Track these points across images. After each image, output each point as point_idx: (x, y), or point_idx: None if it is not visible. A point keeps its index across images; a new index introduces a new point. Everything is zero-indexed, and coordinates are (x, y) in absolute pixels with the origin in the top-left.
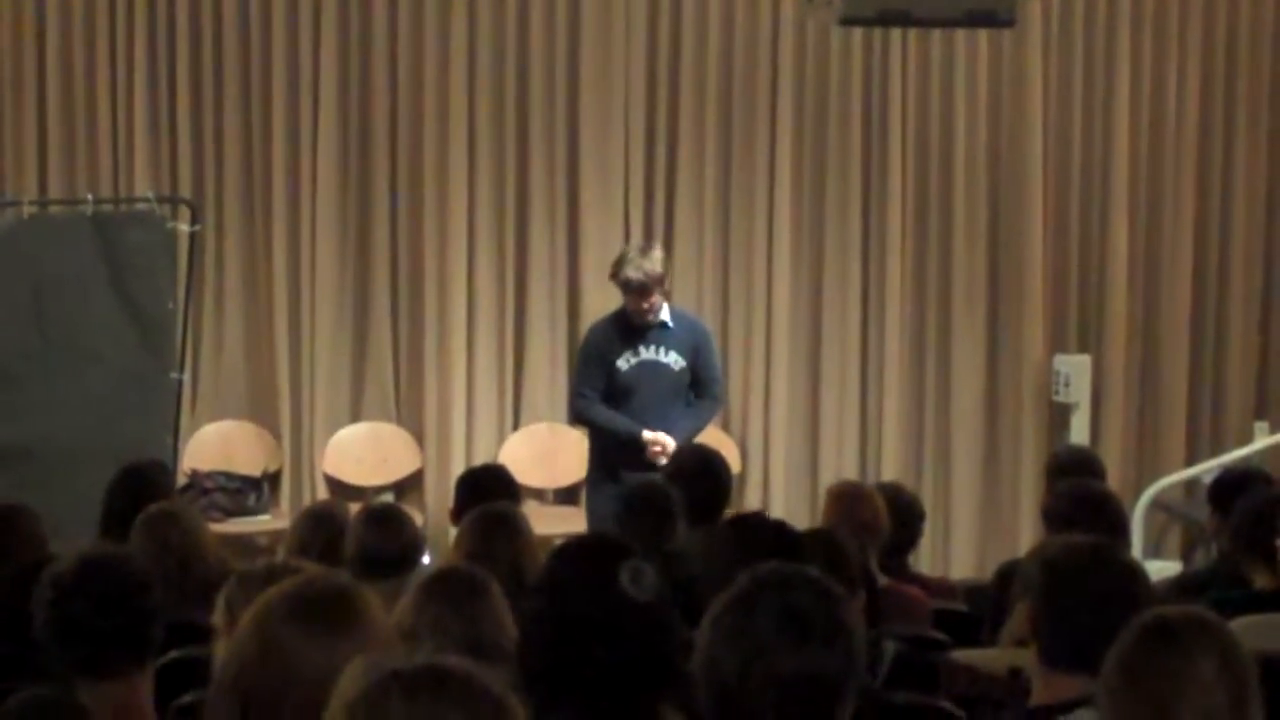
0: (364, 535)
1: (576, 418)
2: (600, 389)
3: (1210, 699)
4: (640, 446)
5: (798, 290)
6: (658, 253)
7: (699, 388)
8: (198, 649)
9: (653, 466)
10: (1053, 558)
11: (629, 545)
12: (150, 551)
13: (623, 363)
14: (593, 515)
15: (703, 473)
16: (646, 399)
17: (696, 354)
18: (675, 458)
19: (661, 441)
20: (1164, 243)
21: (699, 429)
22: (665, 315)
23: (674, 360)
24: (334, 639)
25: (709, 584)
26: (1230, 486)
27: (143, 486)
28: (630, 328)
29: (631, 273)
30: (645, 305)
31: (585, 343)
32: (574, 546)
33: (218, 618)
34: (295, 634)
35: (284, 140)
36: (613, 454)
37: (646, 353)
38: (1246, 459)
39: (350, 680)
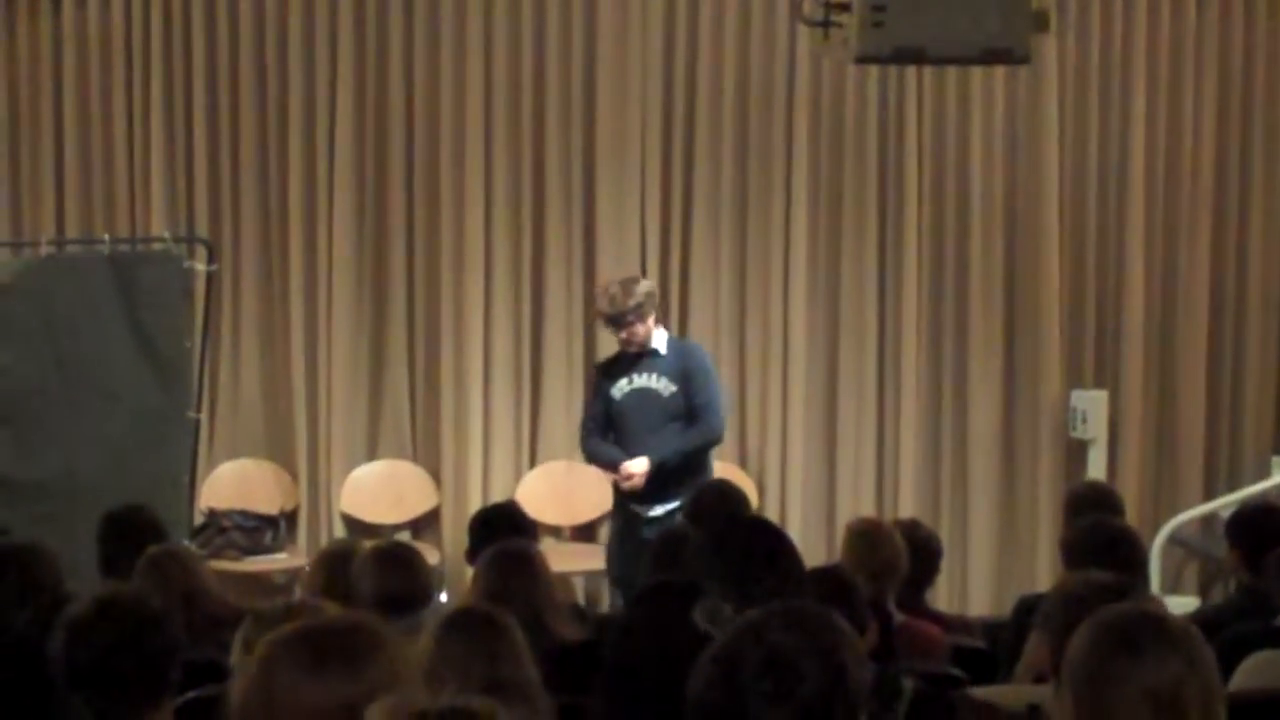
0: (375, 574)
1: (582, 453)
2: (601, 421)
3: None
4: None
5: (814, 325)
6: (639, 286)
7: (692, 414)
8: (214, 688)
9: (649, 494)
10: (1073, 592)
11: (700, 585)
12: (153, 591)
13: (617, 391)
14: (608, 547)
15: (721, 508)
16: (639, 426)
17: (687, 380)
18: (695, 495)
19: (628, 470)
20: (1180, 278)
21: (687, 452)
22: (659, 343)
23: (664, 386)
24: (342, 677)
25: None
26: (1248, 522)
27: (130, 529)
28: (626, 357)
29: (601, 305)
30: (623, 335)
31: (593, 373)
32: (648, 589)
33: (235, 657)
34: (298, 673)
35: (300, 179)
36: (615, 486)
37: (639, 380)
38: (1264, 494)
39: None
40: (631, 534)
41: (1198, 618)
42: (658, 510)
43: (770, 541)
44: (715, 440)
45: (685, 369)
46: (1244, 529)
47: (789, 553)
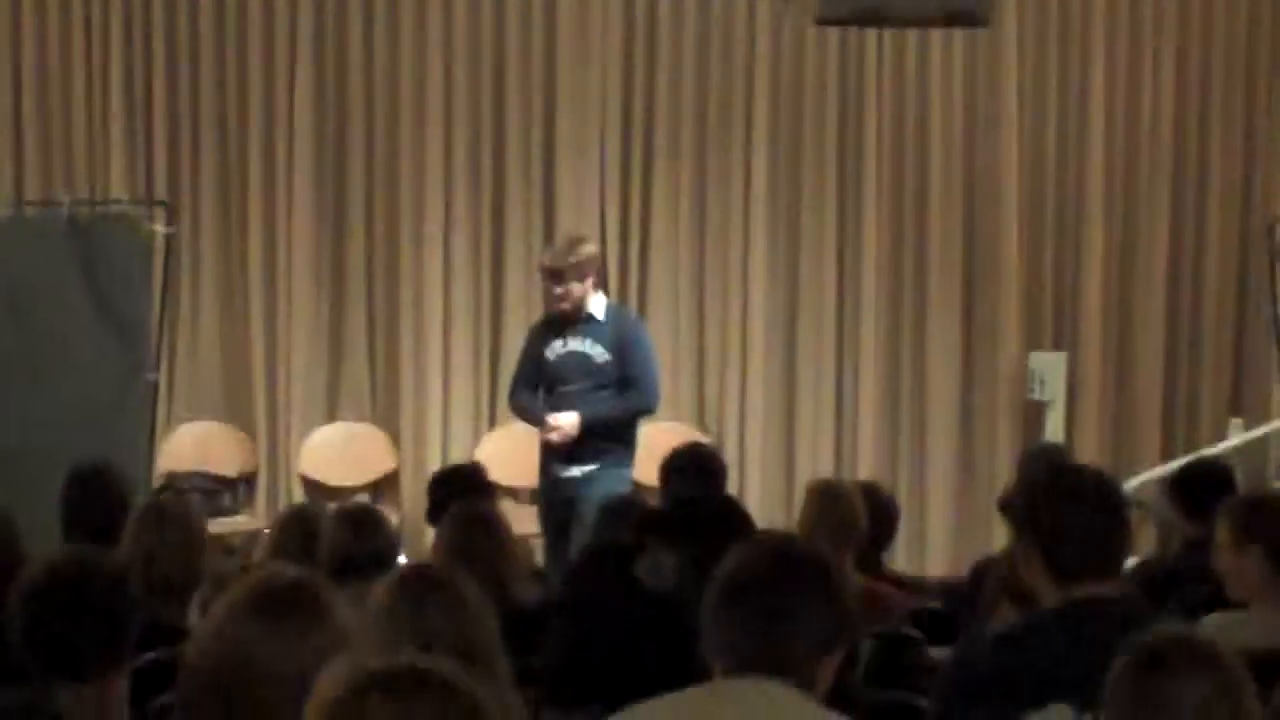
0: (339, 537)
1: (510, 407)
2: (530, 379)
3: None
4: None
5: (773, 289)
6: (584, 246)
7: (624, 384)
8: (171, 650)
9: (570, 454)
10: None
11: (646, 542)
12: (148, 536)
13: (550, 353)
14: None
15: (693, 469)
16: (571, 389)
17: (622, 349)
18: (667, 457)
19: (556, 423)
20: (1139, 240)
21: (616, 418)
22: (597, 309)
23: (598, 353)
24: (297, 634)
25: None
26: (1192, 480)
27: (94, 488)
28: (563, 320)
29: (543, 258)
30: (558, 291)
31: (528, 333)
32: (594, 546)
33: (194, 618)
34: (257, 629)
35: (260, 140)
36: (541, 445)
37: (573, 343)
38: (1222, 455)
39: (330, 680)
40: (551, 493)
41: (1144, 572)
42: (575, 471)
43: (732, 511)
44: (645, 411)
45: (621, 339)
46: (1188, 488)
47: (745, 521)
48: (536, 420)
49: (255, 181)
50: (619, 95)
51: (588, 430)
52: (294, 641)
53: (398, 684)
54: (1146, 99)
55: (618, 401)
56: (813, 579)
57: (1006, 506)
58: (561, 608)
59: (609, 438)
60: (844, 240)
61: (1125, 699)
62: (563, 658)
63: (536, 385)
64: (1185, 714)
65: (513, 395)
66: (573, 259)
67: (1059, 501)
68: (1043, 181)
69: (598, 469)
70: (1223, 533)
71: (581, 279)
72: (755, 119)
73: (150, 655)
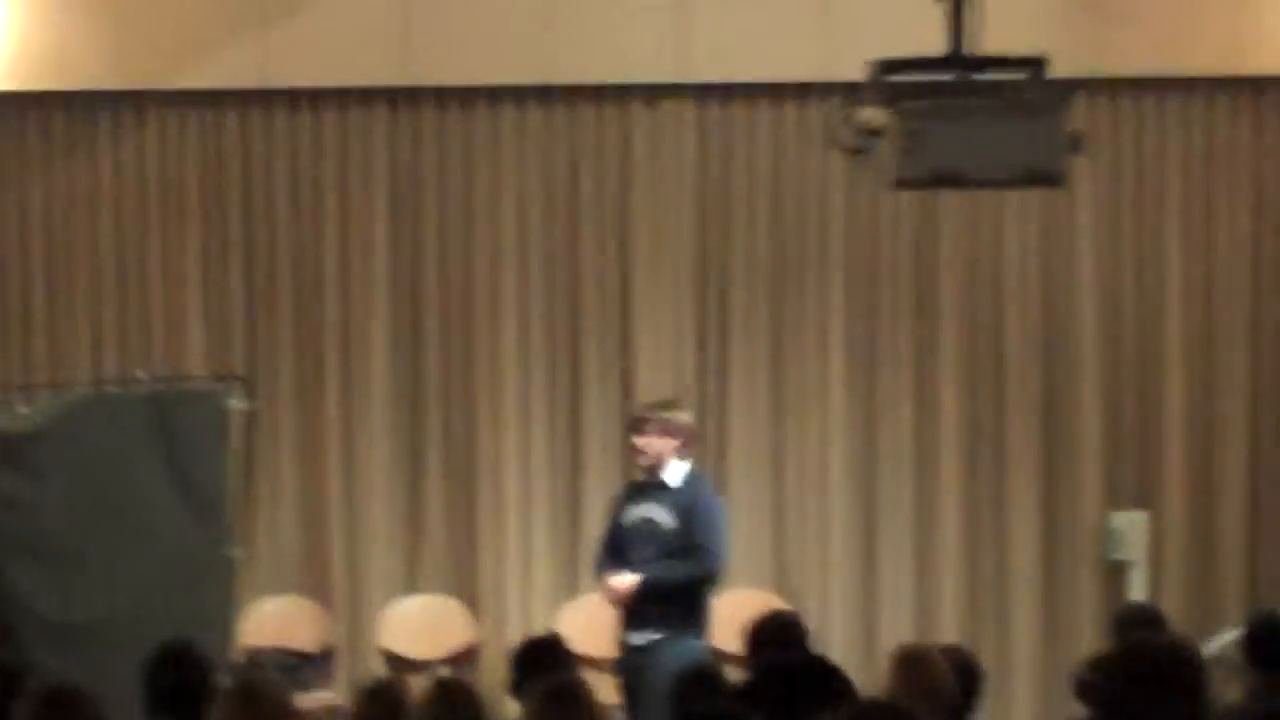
0: (434, 707)
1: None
2: (609, 545)
3: None
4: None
5: (850, 451)
6: (676, 408)
7: (689, 552)
8: None
9: (635, 619)
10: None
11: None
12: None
13: (625, 518)
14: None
15: (778, 637)
16: (640, 555)
17: (690, 517)
18: (751, 626)
19: (611, 585)
20: (1218, 395)
21: (675, 580)
22: (672, 477)
23: (666, 519)
24: None
25: None
26: (1261, 632)
27: (180, 666)
28: (642, 485)
29: (631, 414)
30: (636, 442)
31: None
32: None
33: None
34: None
35: (336, 313)
36: (617, 616)
37: (646, 510)
38: None
39: None
40: (623, 661)
41: None
42: (640, 639)
43: (822, 673)
44: (707, 577)
45: (690, 506)
46: (1254, 638)
47: (841, 686)
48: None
49: (332, 355)
50: (695, 260)
51: (649, 595)
52: None
53: None
54: (1222, 251)
55: (679, 566)
56: None
57: (1081, 687)
58: None
59: (674, 604)
60: (921, 401)
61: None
62: None
63: (615, 554)
64: None
65: (596, 566)
66: (661, 414)
67: (1136, 686)
68: (1120, 339)
69: (665, 638)
70: None
71: (661, 435)
72: (830, 278)
73: None
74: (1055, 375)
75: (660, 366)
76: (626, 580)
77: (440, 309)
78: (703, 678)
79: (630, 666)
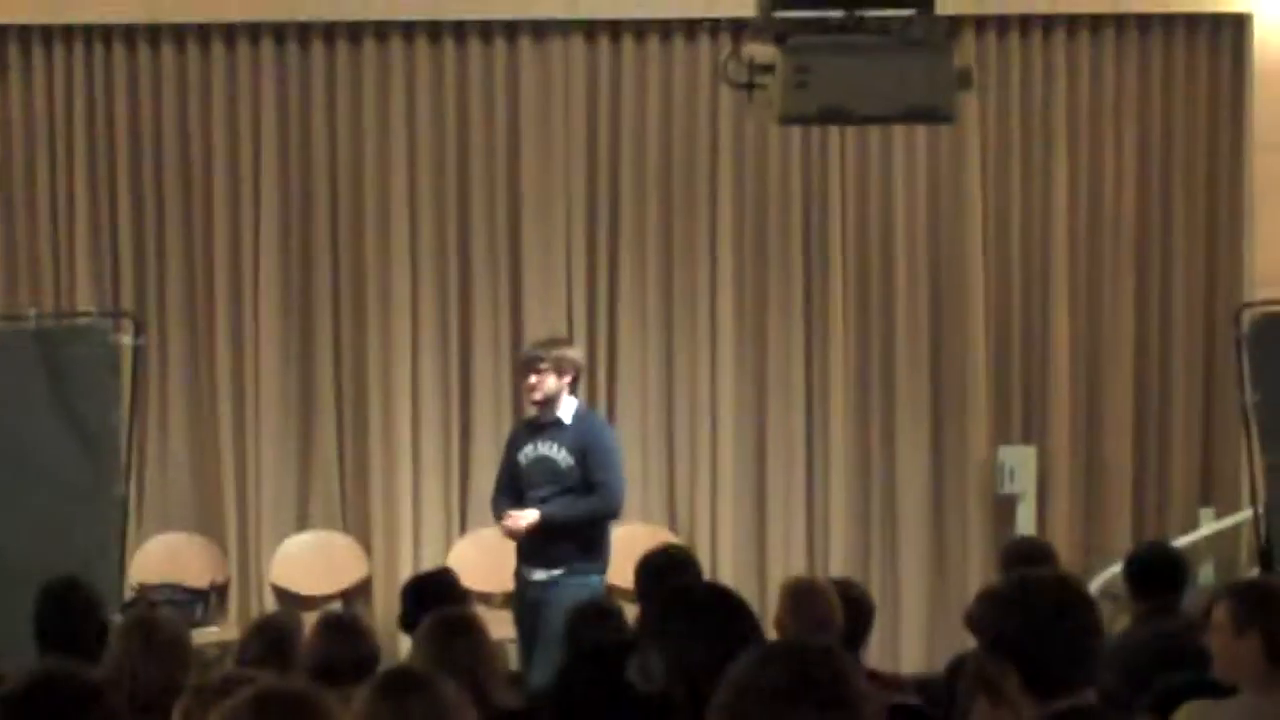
0: (323, 644)
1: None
2: (506, 485)
3: None
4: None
5: (741, 386)
6: (567, 346)
7: (589, 489)
8: None
9: (534, 555)
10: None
11: (635, 640)
12: (129, 660)
13: (523, 457)
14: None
15: (667, 569)
16: (538, 493)
17: (586, 454)
18: (641, 560)
19: (514, 517)
20: (1105, 331)
21: (576, 517)
22: (565, 413)
23: (563, 457)
24: None
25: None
26: (1142, 562)
27: (66, 602)
28: (534, 423)
29: (522, 352)
30: (530, 381)
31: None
32: (583, 648)
33: None
34: None
35: (226, 251)
36: (516, 551)
37: (541, 448)
38: (1193, 544)
39: None
40: (521, 597)
41: (1121, 661)
42: (541, 574)
43: (727, 603)
44: (608, 513)
45: (585, 443)
46: (1136, 567)
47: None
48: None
49: (222, 292)
50: (583, 197)
51: (549, 532)
52: None
53: None
54: (1109, 188)
55: (579, 503)
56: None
57: (972, 622)
58: (552, 710)
59: (573, 541)
60: (811, 336)
61: None
62: None
63: (511, 491)
64: None
65: (493, 503)
66: (553, 352)
67: (1024, 620)
68: (1008, 275)
69: (563, 574)
70: (1222, 614)
71: (555, 374)
72: (720, 216)
73: None
74: (944, 312)
75: (550, 302)
76: (527, 516)
77: (330, 246)
78: (597, 611)
79: (529, 602)
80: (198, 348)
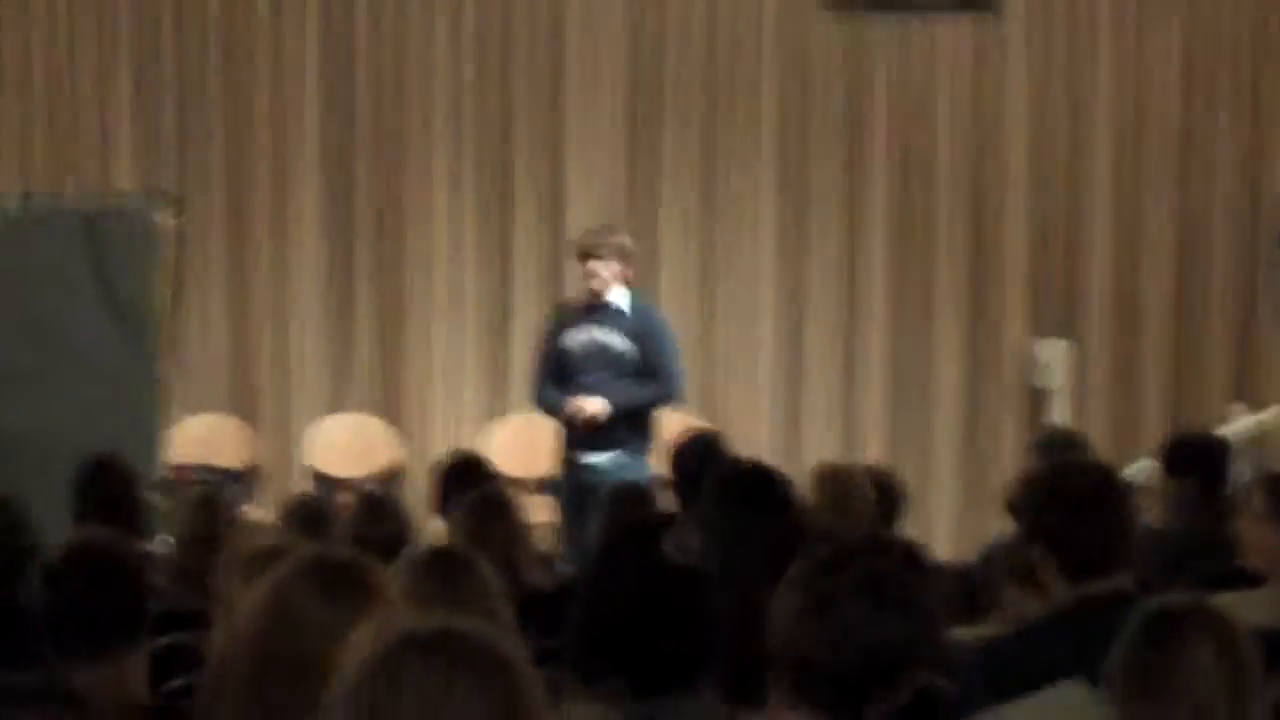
0: (358, 521)
1: (533, 402)
2: (552, 371)
3: (1209, 689)
4: (573, 422)
5: (780, 279)
6: (622, 233)
7: (648, 375)
8: (187, 635)
9: (592, 440)
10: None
11: (675, 517)
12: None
13: (572, 342)
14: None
15: (702, 456)
16: (594, 380)
17: (645, 340)
18: (675, 447)
19: (578, 404)
20: (1145, 225)
21: (643, 404)
22: (621, 301)
23: (620, 342)
24: (353, 609)
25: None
26: (1187, 450)
27: (105, 477)
28: (585, 309)
29: (580, 238)
30: (590, 267)
31: (543, 325)
32: (622, 524)
33: (222, 591)
34: (314, 603)
35: (267, 134)
36: (564, 432)
37: (597, 334)
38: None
39: (363, 641)
40: (573, 480)
41: (1155, 548)
42: (597, 458)
43: (764, 479)
44: (670, 400)
45: (644, 329)
46: (1182, 457)
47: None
48: (561, 412)
49: (263, 174)
50: (626, 81)
51: (612, 417)
52: (349, 616)
53: (434, 643)
54: (1153, 82)
55: (642, 390)
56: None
57: (1013, 508)
58: (587, 585)
59: (631, 426)
60: (850, 229)
61: (1129, 667)
62: (588, 633)
63: (557, 378)
64: (1187, 680)
65: (537, 391)
66: (613, 239)
67: (1062, 506)
68: (1049, 168)
69: (620, 456)
70: (1256, 501)
71: (614, 261)
72: (762, 107)
73: (167, 640)
74: (983, 204)
75: (591, 194)
76: (599, 403)
77: (372, 137)
78: (636, 492)
79: (580, 485)
80: (237, 230)
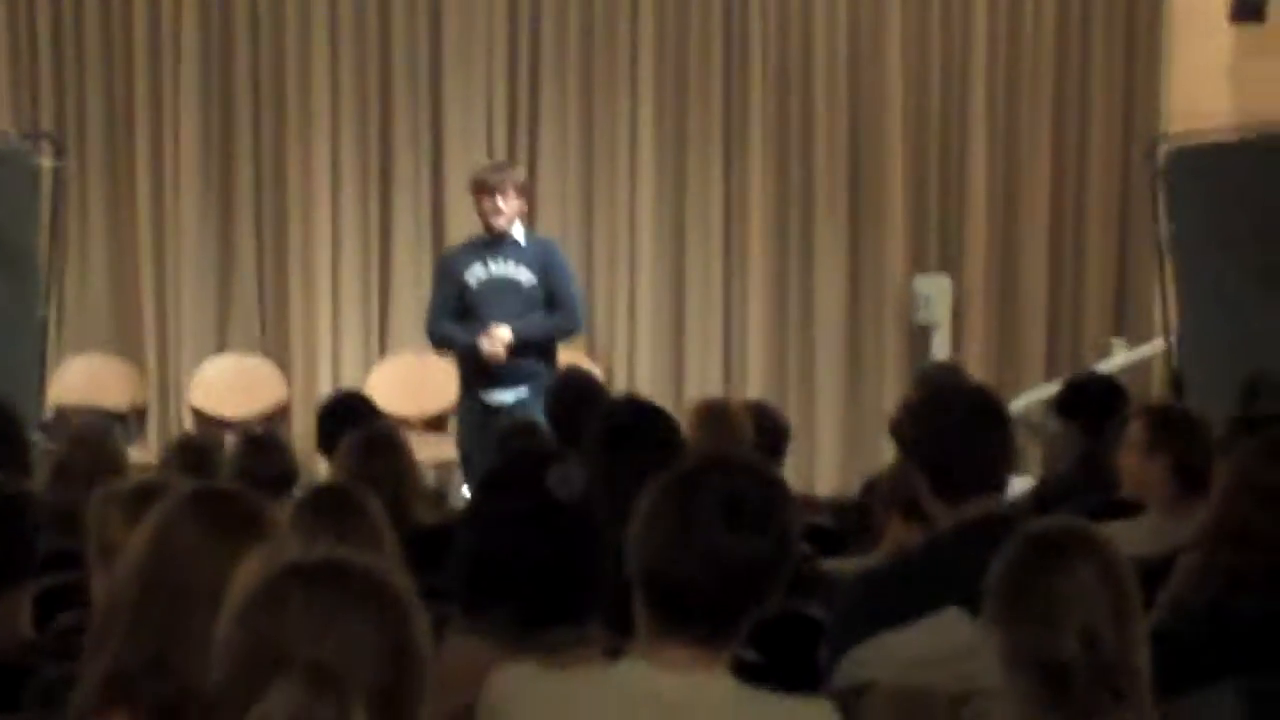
0: (244, 459)
1: (429, 339)
2: (451, 308)
3: (1093, 609)
4: (481, 354)
5: (659, 214)
6: (516, 171)
7: (552, 306)
8: (65, 575)
9: (500, 376)
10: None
11: (560, 451)
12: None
13: (472, 278)
14: (458, 433)
15: (578, 395)
16: (497, 313)
17: (547, 272)
18: (550, 388)
19: (492, 334)
20: (1022, 162)
21: (548, 335)
22: (518, 234)
23: (525, 277)
24: (238, 540)
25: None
26: (1087, 393)
27: None
28: (483, 244)
29: (479, 174)
30: (495, 202)
31: (437, 263)
32: (504, 458)
33: (93, 531)
34: (201, 533)
35: (145, 72)
36: (467, 370)
37: (496, 268)
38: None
39: (250, 572)
40: (478, 418)
41: (1040, 490)
42: (506, 395)
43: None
44: (574, 331)
45: (546, 261)
46: (1080, 399)
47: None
48: (466, 344)
49: (142, 115)
50: (505, 20)
51: (519, 351)
52: (234, 547)
53: (320, 573)
54: (1028, 20)
55: (546, 320)
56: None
57: (895, 430)
58: (471, 517)
59: (540, 358)
60: (730, 166)
61: (1011, 590)
62: (472, 564)
63: (457, 316)
64: (1071, 602)
65: (433, 327)
66: (509, 173)
67: (937, 422)
68: (926, 106)
69: (528, 393)
70: (1136, 432)
71: (516, 195)
72: (641, 45)
73: (50, 580)
74: (862, 141)
75: (470, 126)
76: (504, 333)
77: (251, 69)
78: (525, 426)
79: (485, 425)
80: (117, 170)
